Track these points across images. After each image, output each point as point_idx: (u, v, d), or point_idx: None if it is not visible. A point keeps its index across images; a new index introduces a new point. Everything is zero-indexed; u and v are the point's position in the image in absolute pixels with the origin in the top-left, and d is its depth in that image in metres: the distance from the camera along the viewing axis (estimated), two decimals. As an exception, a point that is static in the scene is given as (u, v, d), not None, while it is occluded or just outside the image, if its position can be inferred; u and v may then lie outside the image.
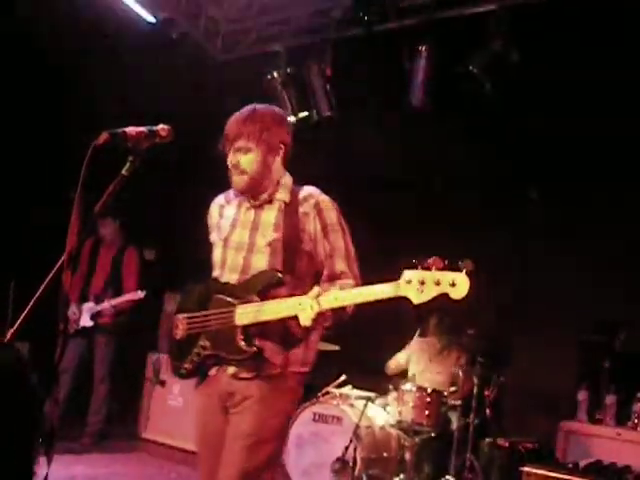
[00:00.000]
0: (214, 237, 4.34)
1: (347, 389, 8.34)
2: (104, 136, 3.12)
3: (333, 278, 4.06)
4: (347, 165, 9.29)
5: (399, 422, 7.58)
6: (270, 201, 4.18)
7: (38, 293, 3.20)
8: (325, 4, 8.87)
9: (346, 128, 9.14)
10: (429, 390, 7.55)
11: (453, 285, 3.46)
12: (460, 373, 7.67)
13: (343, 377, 8.32)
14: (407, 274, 3.56)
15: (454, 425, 7.53)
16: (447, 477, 7.34)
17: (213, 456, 4.09)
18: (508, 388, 8.06)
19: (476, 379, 7.53)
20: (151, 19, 9.04)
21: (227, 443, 4.01)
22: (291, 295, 3.88)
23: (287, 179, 4.26)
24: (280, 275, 3.95)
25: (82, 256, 9.14)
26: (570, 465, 6.90)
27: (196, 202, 10.71)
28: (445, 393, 7.69)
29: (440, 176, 8.91)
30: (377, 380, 8.27)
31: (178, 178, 10.52)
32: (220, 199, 4.42)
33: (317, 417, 7.99)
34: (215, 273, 4.24)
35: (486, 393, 7.81)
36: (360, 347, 8.45)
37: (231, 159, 4.10)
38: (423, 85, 8.22)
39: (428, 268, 3.52)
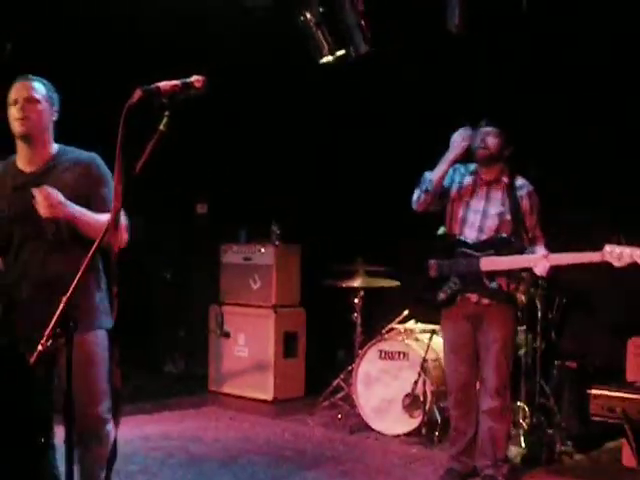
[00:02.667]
0: (455, 196, 6.21)
1: (411, 324, 8.33)
2: (137, 93, 3.07)
3: (534, 241, 6.12)
4: (391, 100, 9.21)
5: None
6: (497, 181, 6.15)
7: (89, 256, 3.18)
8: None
9: (385, 62, 9.00)
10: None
11: None
12: (523, 298, 7.58)
13: (406, 312, 8.31)
14: (608, 247, 5.31)
15: (522, 351, 7.47)
16: (519, 403, 7.29)
17: (462, 361, 6.20)
18: (572, 309, 7.98)
19: (539, 302, 7.46)
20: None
21: (483, 349, 6.09)
22: (510, 252, 5.91)
23: (508, 170, 6.18)
24: (511, 239, 5.98)
25: None
26: (638, 384, 6.86)
27: (243, 154, 10.75)
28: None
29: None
30: (440, 312, 8.22)
31: (227, 131, 10.47)
32: (461, 169, 6.29)
33: (383, 354, 8.01)
34: (455, 225, 6.22)
35: (550, 316, 7.75)
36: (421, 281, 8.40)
37: (477, 140, 6.05)
38: (458, 8, 8.04)
39: (621, 244, 5.29)
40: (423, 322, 8.22)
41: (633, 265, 5.28)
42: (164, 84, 3.19)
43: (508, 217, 6.07)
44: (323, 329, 9.98)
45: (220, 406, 9.38)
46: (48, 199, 4.26)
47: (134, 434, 7.62)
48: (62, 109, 4.72)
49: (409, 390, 7.63)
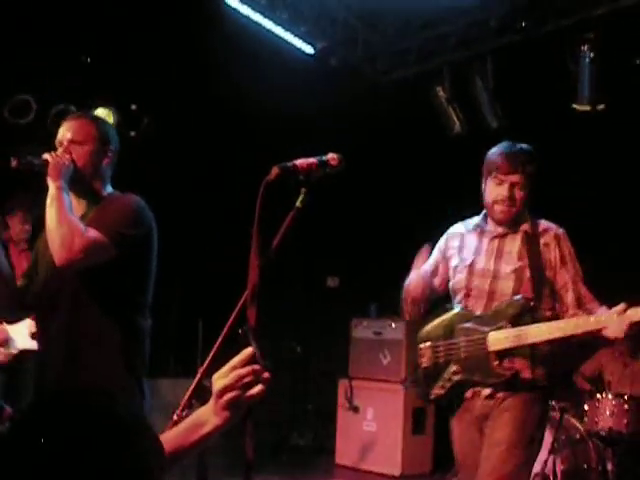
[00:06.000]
0: (456, 262, 4.76)
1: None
2: (275, 171, 3.13)
3: (580, 301, 4.47)
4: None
5: (597, 431, 7.36)
6: (515, 231, 4.63)
7: (224, 331, 3.23)
8: (481, 15, 8.79)
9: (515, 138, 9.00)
10: (626, 396, 7.33)
11: None
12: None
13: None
14: None
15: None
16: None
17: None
18: None
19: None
20: (309, 50, 9.15)
21: (484, 451, 4.42)
22: (534, 319, 4.36)
23: (527, 212, 4.68)
24: (532, 302, 4.40)
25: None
26: None
27: (375, 227, 10.83)
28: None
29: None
30: (571, 390, 8.07)
31: (359, 204, 10.59)
32: (459, 228, 4.92)
33: (513, 432, 7.86)
34: (458, 298, 4.71)
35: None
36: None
37: (503, 192, 4.57)
38: (590, 85, 8.04)
39: None
40: (553, 400, 8.07)
41: None
42: (301, 162, 3.25)
43: (528, 274, 4.51)
44: (452, 406, 9.90)
45: (346, 479, 9.35)
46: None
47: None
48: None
49: (539, 469, 7.49)
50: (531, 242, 4.56)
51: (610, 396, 7.33)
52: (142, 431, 1.72)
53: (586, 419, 7.54)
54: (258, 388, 2.44)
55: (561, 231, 4.63)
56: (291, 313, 10.84)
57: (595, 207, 8.31)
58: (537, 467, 7.37)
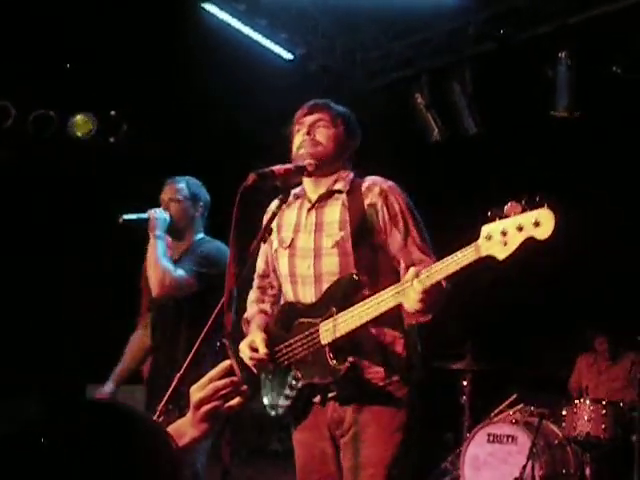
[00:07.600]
0: (276, 245, 4.01)
1: (519, 407, 8.21)
2: (252, 177, 3.14)
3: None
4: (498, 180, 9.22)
5: (575, 437, 7.38)
6: (330, 195, 3.90)
7: (201, 336, 3.22)
8: (460, 22, 8.82)
9: (493, 144, 9.03)
10: (604, 402, 7.36)
11: (537, 225, 3.03)
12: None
13: (514, 396, 8.19)
14: (485, 229, 3.16)
15: (635, 436, 7.26)
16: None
17: None
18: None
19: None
20: (288, 56, 9.15)
21: (348, 475, 3.75)
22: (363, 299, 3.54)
23: (350, 173, 4.00)
24: (357, 277, 3.65)
25: None
26: None
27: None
28: (621, 404, 7.47)
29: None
30: (549, 396, 8.10)
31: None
32: (277, 203, 3.82)
33: (491, 438, 7.87)
34: (286, 287, 4.01)
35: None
36: (528, 364, 8.28)
37: (302, 131, 3.94)
38: (567, 91, 8.07)
39: (507, 216, 3.11)
40: (532, 406, 8.10)
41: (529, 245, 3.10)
42: (278, 168, 3.26)
43: (351, 245, 3.77)
44: (430, 411, 9.90)
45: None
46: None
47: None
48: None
49: (517, 474, 7.51)
50: (353, 205, 3.83)
51: (588, 402, 7.36)
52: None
53: (564, 424, 7.57)
54: (236, 400, 2.45)
55: (388, 185, 3.92)
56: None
57: (575, 213, 8.33)
58: (516, 472, 7.41)
